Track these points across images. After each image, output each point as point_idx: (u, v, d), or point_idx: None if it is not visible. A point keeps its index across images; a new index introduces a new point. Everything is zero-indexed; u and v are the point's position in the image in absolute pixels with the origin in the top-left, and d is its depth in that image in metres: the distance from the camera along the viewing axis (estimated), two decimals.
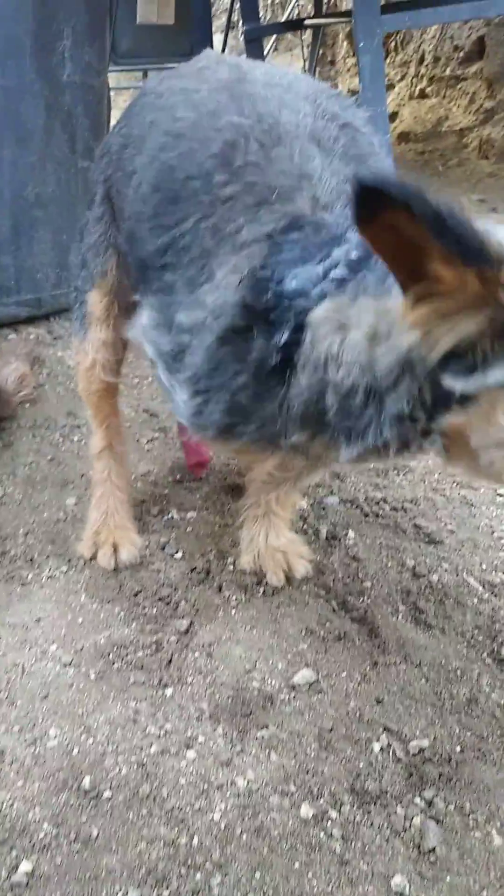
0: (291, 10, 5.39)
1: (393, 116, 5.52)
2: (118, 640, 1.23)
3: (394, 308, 0.81)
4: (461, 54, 5.09)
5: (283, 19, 5.32)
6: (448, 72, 5.19)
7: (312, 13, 4.31)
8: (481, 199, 4.10)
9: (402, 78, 5.56)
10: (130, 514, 1.47)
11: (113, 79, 7.24)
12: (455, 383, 0.77)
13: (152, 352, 1.13)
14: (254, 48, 3.22)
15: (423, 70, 5.36)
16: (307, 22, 3.60)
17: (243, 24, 3.18)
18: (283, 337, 0.92)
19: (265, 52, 6.08)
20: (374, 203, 0.68)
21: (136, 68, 7.11)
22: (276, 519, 1.40)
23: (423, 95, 5.37)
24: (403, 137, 5.31)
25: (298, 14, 5.27)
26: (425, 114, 5.30)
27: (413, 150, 5.18)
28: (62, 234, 2.43)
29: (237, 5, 3.24)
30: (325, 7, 4.87)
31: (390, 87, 5.63)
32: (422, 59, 5.34)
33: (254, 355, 0.96)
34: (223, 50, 4.24)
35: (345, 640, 1.26)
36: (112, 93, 6.50)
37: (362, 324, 0.85)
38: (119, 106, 7.92)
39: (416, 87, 5.40)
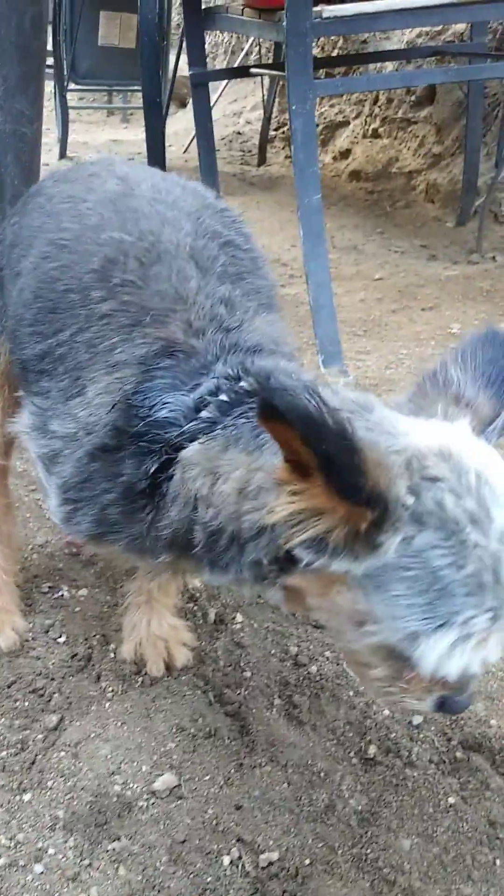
0: (246, 55, 5.45)
1: (346, 154, 5.59)
2: None
3: (265, 467, 0.86)
4: (413, 98, 5.18)
5: (237, 64, 5.38)
6: (400, 114, 5.28)
7: (272, 59, 4.37)
8: (423, 244, 4.19)
9: (357, 116, 5.64)
10: (16, 597, 1.47)
11: (74, 97, 7.24)
12: (304, 555, 0.80)
13: (31, 451, 1.14)
14: (200, 92, 3.24)
15: (376, 110, 5.44)
16: (252, 70, 3.64)
17: (189, 68, 3.21)
18: (153, 466, 0.96)
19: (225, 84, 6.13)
20: (270, 410, 0.71)
21: (97, 89, 7.15)
22: (157, 605, 1.42)
23: (375, 135, 5.45)
24: (355, 176, 5.38)
25: (259, 59, 5.32)
26: (377, 153, 5.38)
27: (363, 188, 5.25)
28: None
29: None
30: (280, 57, 4.95)
31: (345, 123, 5.71)
32: (376, 100, 5.42)
33: (123, 477, 0.99)
34: (172, 84, 4.25)
35: (214, 738, 1.28)
36: (72, 112, 6.49)
37: (232, 477, 0.89)
38: (83, 121, 7.90)
39: (369, 126, 5.48)
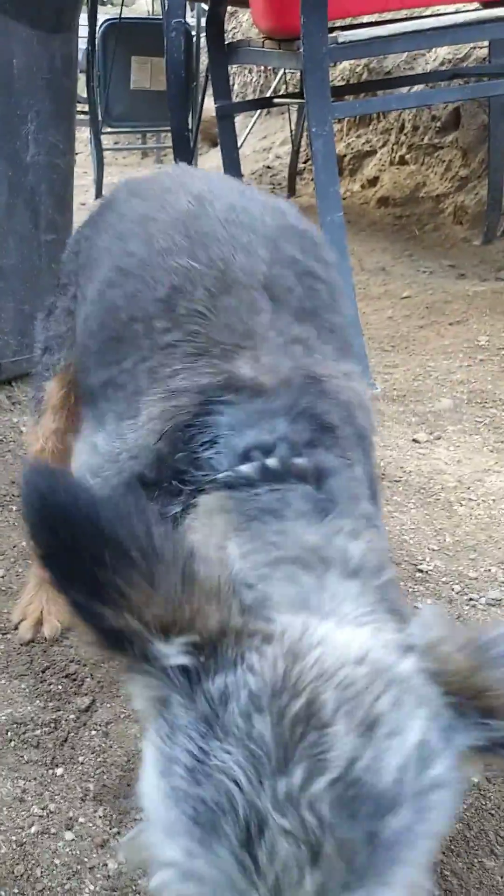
0: (274, 92, 5.63)
1: (374, 181, 5.70)
2: (19, 717, 1.28)
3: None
4: (438, 124, 5.27)
5: (269, 94, 5.55)
6: (426, 140, 5.37)
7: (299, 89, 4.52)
8: (451, 264, 4.23)
9: (384, 144, 5.75)
10: None
11: (109, 140, 7.51)
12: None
13: (73, 464, 1.10)
14: (225, 124, 3.37)
15: (402, 138, 5.54)
16: (275, 100, 3.77)
17: (215, 101, 3.35)
18: (176, 508, 0.86)
19: (254, 120, 6.32)
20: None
21: (131, 131, 7.42)
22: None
23: (402, 162, 5.55)
24: (383, 202, 5.47)
25: (287, 89, 5.50)
26: (404, 179, 5.47)
27: (392, 214, 5.34)
28: (24, 303, 2.53)
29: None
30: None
31: (372, 152, 5.83)
32: (402, 128, 5.53)
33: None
34: (199, 119, 4.41)
35: None
36: (106, 153, 6.74)
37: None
38: (118, 163, 8.19)
39: (396, 153, 5.58)
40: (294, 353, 0.93)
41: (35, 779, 1.18)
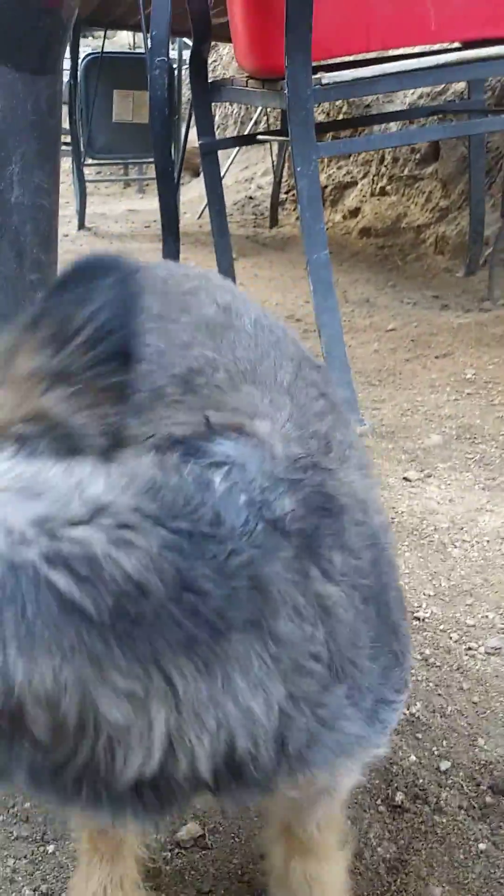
0: (255, 124, 5.68)
1: (355, 212, 5.75)
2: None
3: None
4: (418, 156, 5.34)
5: (250, 126, 5.61)
6: (406, 172, 5.44)
7: (280, 126, 4.56)
8: (435, 295, 4.26)
9: (365, 176, 5.81)
10: None
11: (92, 171, 7.54)
12: None
13: None
14: (209, 160, 3.38)
15: (383, 169, 5.61)
16: (259, 137, 3.80)
17: (199, 138, 3.36)
18: None
19: (236, 152, 6.37)
20: None
21: (112, 162, 7.46)
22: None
23: (383, 193, 5.61)
24: (365, 232, 5.52)
25: (268, 127, 5.56)
26: (385, 210, 5.52)
27: (374, 244, 5.37)
28: None
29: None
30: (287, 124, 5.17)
31: (353, 184, 5.88)
32: (382, 159, 5.59)
33: None
34: (182, 154, 4.44)
35: None
36: (88, 184, 6.75)
37: None
38: (101, 193, 8.20)
39: (376, 184, 5.64)
40: (320, 433, 0.87)
41: (25, 857, 1.13)
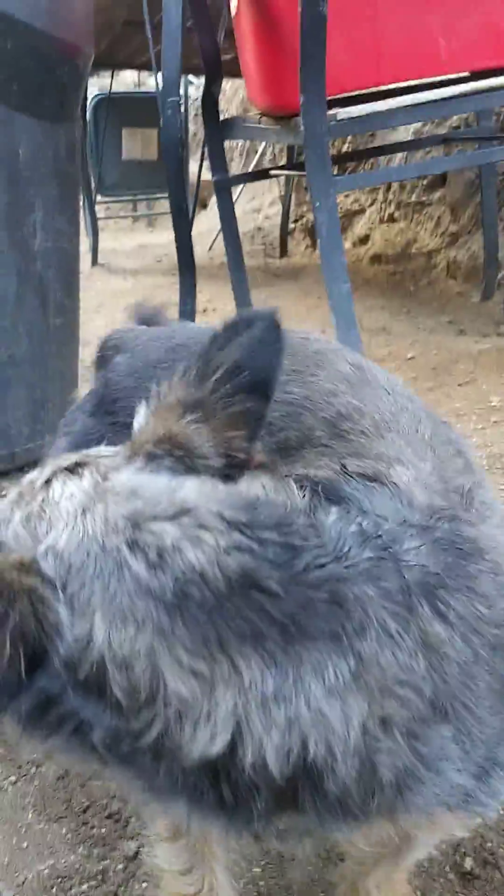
0: (261, 156, 5.72)
1: (365, 239, 5.76)
2: (63, 869, 1.18)
3: None
4: (425, 182, 5.35)
5: (251, 168, 5.64)
6: (414, 198, 5.45)
7: (285, 158, 4.58)
8: (450, 320, 4.23)
9: (373, 203, 5.83)
10: None
11: (102, 208, 7.61)
12: None
13: None
14: (223, 196, 3.38)
15: (390, 196, 5.62)
16: (272, 172, 3.81)
17: (213, 174, 3.36)
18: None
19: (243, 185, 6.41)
20: None
21: (123, 200, 7.53)
22: None
23: (392, 219, 5.62)
24: (376, 259, 5.52)
25: (274, 158, 5.59)
26: (395, 237, 5.53)
27: (385, 270, 5.37)
28: (36, 390, 2.48)
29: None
30: (294, 156, 5.20)
31: (361, 211, 5.90)
32: (389, 186, 5.61)
33: None
34: (197, 190, 4.46)
35: (296, 860, 1.21)
36: (101, 221, 6.81)
37: None
38: (111, 228, 8.27)
39: (385, 211, 5.65)
40: (452, 499, 0.86)
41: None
